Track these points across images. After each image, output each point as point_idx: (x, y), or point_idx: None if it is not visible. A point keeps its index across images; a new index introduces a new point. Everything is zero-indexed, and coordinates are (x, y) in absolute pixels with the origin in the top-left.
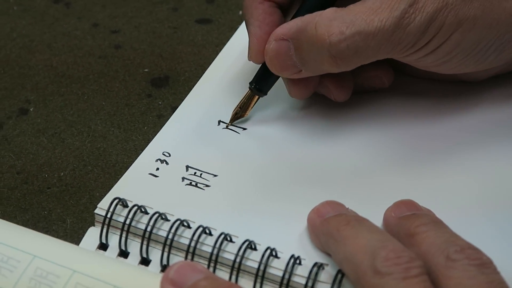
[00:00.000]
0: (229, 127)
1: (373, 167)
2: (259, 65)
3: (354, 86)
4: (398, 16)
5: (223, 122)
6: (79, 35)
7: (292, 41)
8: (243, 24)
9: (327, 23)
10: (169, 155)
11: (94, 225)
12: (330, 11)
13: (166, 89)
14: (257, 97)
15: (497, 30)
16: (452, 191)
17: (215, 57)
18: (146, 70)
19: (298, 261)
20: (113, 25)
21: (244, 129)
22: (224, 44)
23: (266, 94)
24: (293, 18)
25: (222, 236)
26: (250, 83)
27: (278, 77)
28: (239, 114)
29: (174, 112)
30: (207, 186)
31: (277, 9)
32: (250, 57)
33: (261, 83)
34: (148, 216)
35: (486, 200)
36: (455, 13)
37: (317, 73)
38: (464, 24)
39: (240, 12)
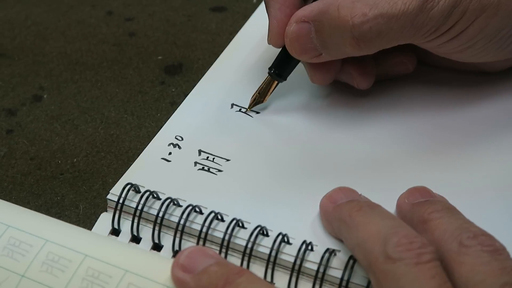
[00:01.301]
0: (241, 111)
1: (388, 155)
2: (278, 50)
3: (378, 73)
4: None
5: (236, 105)
6: (93, 23)
7: (313, 23)
8: (256, 11)
9: (350, 5)
10: (182, 139)
11: (106, 211)
12: None
13: (180, 76)
14: (276, 82)
15: None
16: (467, 181)
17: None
18: (159, 57)
19: (310, 247)
20: (127, 12)
21: (258, 112)
22: (238, 32)
23: (285, 79)
24: (314, 1)
25: (234, 222)
26: (270, 68)
27: (297, 62)
28: (258, 100)
29: (187, 97)
30: (219, 171)
31: None
32: (269, 41)
33: (280, 68)
34: (160, 202)
35: (501, 190)
36: None
37: (337, 57)
38: (488, 10)
39: (255, 0)
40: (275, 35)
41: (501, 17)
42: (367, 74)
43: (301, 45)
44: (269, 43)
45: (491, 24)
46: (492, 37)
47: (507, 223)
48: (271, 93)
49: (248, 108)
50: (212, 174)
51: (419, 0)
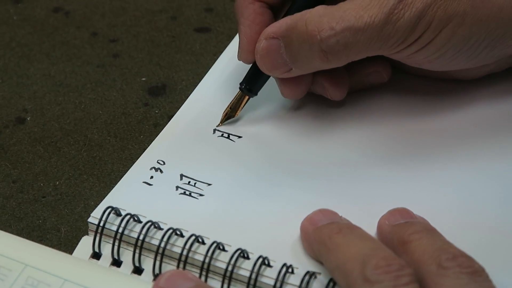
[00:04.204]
0: (223, 136)
1: (368, 170)
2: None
3: (354, 84)
4: (387, 12)
5: (218, 130)
6: (77, 44)
7: (282, 39)
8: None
9: (317, 19)
10: (164, 163)
11: (88, 234)
12: (320, 8)
13: (163, 97)
14: (247, 97)
15: (487, 25)
16: (445, 188)
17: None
18: (143, 78)
19: (290, 270)
20: (111, 34)
21: (240, 137)
22: (222, 52)
23: (256, 94)
24: (283, 17)
25: (215, 244)
26: (241, 84)
27: (268, 77)
28: (229, 114)
29: (170, 120)
30: (200, 195)
31: (267, 9)
32: (239, 57)
33: (251, 83)
34: (141, 225)
35: (478, 199)
36: (444, 9)
37: (307, 71)
38: (454, 20)
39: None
40: (245, 52)
41: (468, 26)
42: (339, 85)
43: (271, 61)
44: (239, 59)
45: (458, 33)
46: (461, 47)
47: (487, 235)
48: (242, 108)
49: (220, 123)
50: (193, 198)
51: (385, 12)
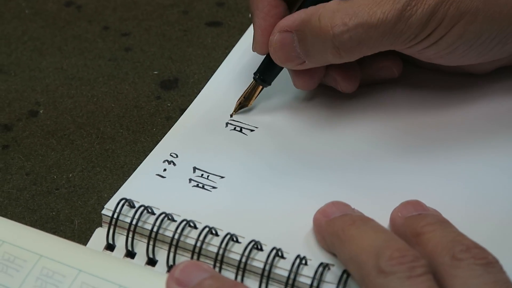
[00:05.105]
0: (236, 129)
1: (381, 162)
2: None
3: (364, 78)
4: (400, 8)
5: (231, 124)
6: (89, 38)
7: (296, 33)
8: (252, 26)
9: (331, 14)
10: (177, 156)
11: (101, 226)
12: (333, 3)
13: (175, 91)
14: (261, 87)
15: (500, 22)
16: (456, 180)
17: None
18: (155, 72)
19: (304, 261)
20: (123, 28)
21: (252, 130)
22: (234, 46)
23: (270, 84)
24: (297, 10)
25: (228, 236)
26: (255, 74)
27: (282, 68)
28: (243, 104)
29: (182, 114)
30: (214, 187)
31: (282, 1)
32: (254, 48)
33: (265, 73)
34: (154, 217)
35: (490, 191)
36: (456, 6)
37: (320, 64)
38: (466, 17)
39: (250, 15)
40: (259, 44)
41: (480, 23)
42: (351, 78)
43: (285, 54)
44: (253, 51)
45: (469, 30)
46: (472, 43)
47: (498, 227)
48: (256, 97)
49: (234, 111)
50: (206, 191)
51: (398, 8)
